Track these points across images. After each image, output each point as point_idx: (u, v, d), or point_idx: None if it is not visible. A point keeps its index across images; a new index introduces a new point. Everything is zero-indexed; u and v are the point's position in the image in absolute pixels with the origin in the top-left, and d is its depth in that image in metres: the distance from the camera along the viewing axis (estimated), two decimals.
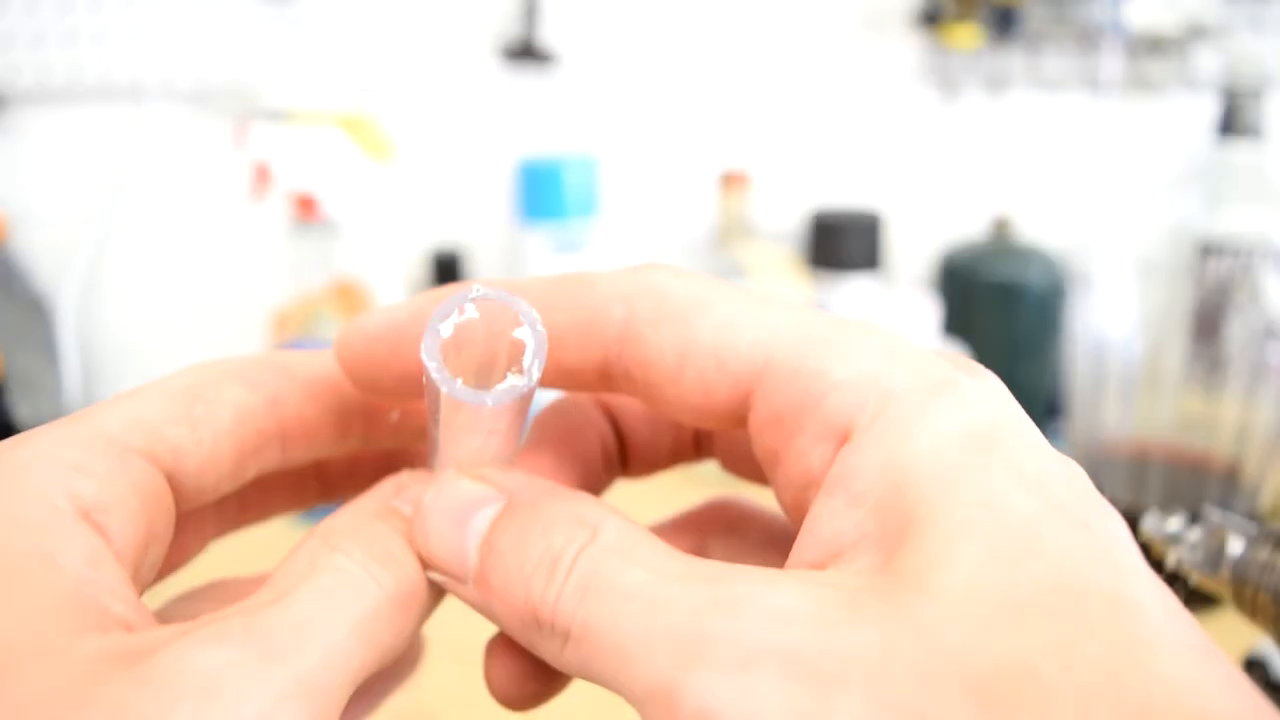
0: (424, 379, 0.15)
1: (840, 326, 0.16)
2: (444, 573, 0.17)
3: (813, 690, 0.12)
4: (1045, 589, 0.12)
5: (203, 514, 0.20)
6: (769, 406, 0.16)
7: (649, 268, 0.17)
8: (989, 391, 0.15)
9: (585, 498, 0.17)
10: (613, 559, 0.15)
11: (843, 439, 0.15)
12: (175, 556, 0.19)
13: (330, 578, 0.15)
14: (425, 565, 0.17)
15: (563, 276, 0.18)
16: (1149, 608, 0.12)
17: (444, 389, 0.14)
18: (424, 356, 0.15)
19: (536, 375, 0.15)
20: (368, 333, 0.18)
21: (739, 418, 0.17)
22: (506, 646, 0.18)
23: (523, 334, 0.15)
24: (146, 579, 0.17)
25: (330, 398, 0.19)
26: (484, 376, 0.16)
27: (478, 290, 0.15)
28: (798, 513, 0.16)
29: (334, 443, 0.20)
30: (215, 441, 0.17)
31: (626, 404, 0.21)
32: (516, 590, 0.15)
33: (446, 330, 0.15)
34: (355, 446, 0.20)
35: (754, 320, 0.16)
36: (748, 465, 0.21)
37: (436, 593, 0.17)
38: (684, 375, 0.17)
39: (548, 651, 0.15)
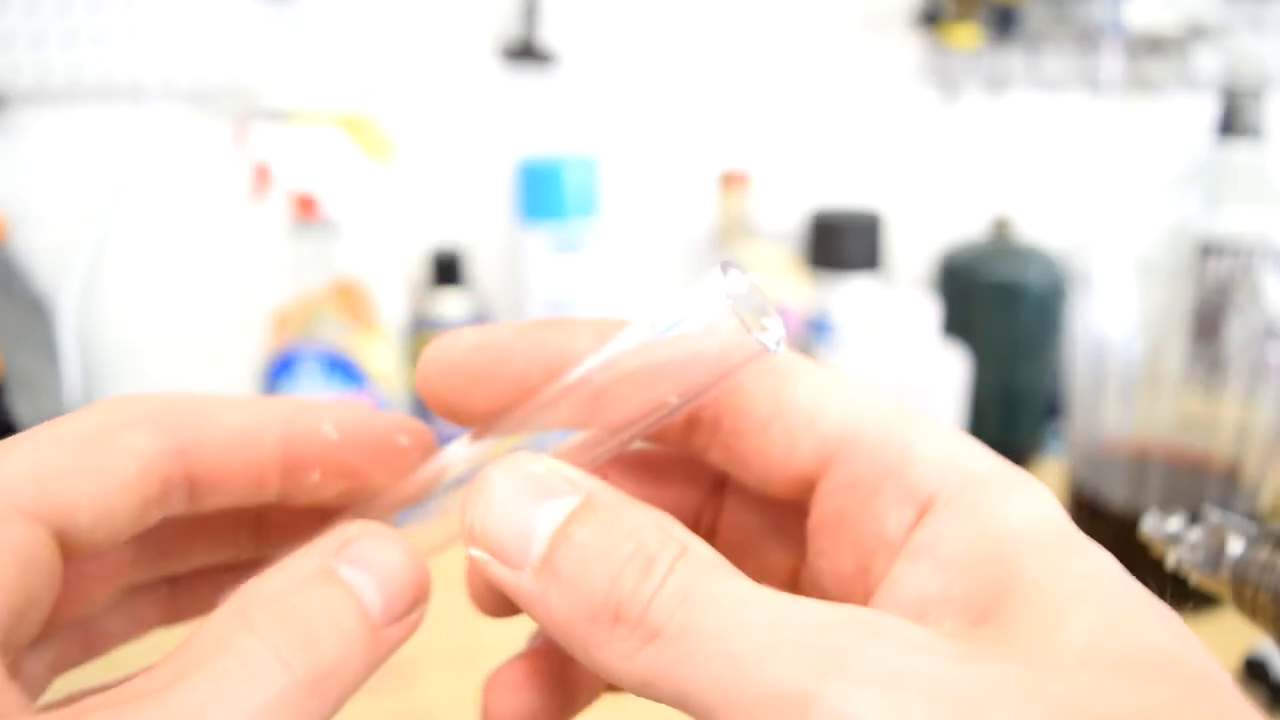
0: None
1: (921, 415, 0.18)
2: (497, 554, 0.16)
3: (962, 714, 0.12)
4: (1153, 654, 0.13)
5: (108, 557, 0.19)
6: (850, 470, 0.17)
7: None
8: (1050, 494, 0.17)
9: (667, 515, 0.16)
10: (715, 571, 0.15)
11: (924, 507, 0.16)
12: (78, 603, 0.18)
13: (233, 660, 0.14)
14: (470, 540, 0.16)
15: None
16: (1231, 683, 0.14)
17: (745, 335, 0.16)
18: (728, 313, 0.16)
19: (782, 333, 0.17)
20: (453, 357, 0.19)
21: (807, 483, 0.18)
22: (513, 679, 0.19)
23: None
24: (21, 642, 0.16)
25: (246, 449, 0.18)
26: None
27: (729, 268, 0.17)
28: (862, 576, 0.17)
29: (247, 494, 0.19)
30: (114, 494, 0.16)
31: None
32: (596, 582, 0.15)
33: (742, 286, 0.16)
34: (271, 500, 0.20)
35: (843, 395, 0.18)
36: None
37: (365, 666, 0.16)
38: (773, 427, 0.18)
39: (613, 651, 0.15)
